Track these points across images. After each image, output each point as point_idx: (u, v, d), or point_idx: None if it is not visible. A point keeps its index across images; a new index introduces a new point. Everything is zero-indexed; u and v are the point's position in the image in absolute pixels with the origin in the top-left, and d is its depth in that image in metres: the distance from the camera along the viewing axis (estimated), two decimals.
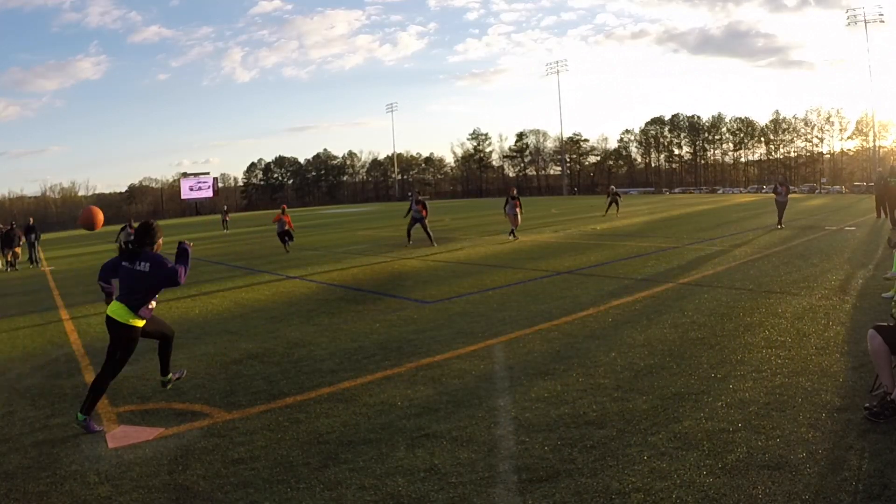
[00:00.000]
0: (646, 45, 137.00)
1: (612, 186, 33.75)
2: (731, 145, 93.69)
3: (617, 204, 28.98)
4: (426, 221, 17.72)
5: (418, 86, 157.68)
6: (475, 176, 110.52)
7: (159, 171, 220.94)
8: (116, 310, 4.57)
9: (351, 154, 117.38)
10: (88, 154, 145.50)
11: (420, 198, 18.17)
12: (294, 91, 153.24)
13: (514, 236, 18.34)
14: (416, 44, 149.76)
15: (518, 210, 18.25)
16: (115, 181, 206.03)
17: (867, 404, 3.87)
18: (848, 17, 60.87)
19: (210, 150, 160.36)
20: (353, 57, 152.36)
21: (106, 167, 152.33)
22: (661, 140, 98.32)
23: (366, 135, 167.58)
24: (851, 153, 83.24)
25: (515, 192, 19.22)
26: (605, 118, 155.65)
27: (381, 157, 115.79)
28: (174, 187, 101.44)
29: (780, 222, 17.91)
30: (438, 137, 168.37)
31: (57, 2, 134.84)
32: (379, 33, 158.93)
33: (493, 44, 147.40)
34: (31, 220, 22.19)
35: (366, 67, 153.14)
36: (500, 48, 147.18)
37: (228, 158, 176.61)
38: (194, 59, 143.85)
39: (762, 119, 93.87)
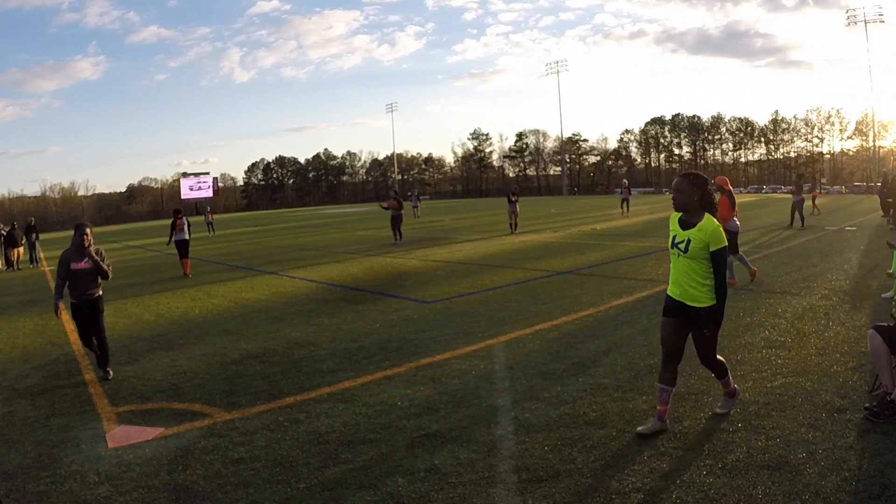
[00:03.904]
0: (644, 45, 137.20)
1: (625, 180, 32.89)
2: (730, 145, 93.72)
3: (627, 203, 28.50)
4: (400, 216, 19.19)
5: (417, 86, 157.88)
6: (475, 176, 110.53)
7: (159, 171, 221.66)
8: None
9: (350, 154, 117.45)
10: (88, 154, 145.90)
11: (393, 193, 20.24)
12: (293, 91, 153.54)
13: (513, 230, 20.57)
14: (415, 44, 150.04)
15: (517, 206, 20.90)
16: (114, 181, 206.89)
17: (867, 404, 3.87)
18: (847, 17, 60.86)
19: (209, 150, 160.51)
20: (351, 57, 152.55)
21: (105, 167, 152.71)
22: (661, 140, 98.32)
23: (365, 135, 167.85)
24: (851, 153, 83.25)
25: (515, 189, 22.19)
26: (605, 118, 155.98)
27: (381, 157, 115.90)
28: (174, 187, 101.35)
29: (791, 223, 17.76)
30: (438, 137, 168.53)
31: (55, 2, 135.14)
32: (377, 33, 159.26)
33: (491, 44, 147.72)
34: (32, 220, 22.20)
35: (364, 68, 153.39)
36: (499, 48, 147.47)
37: (228, 158, 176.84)
38: (193, 59, 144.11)
39: (762, 119, 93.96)
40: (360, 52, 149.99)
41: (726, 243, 3.62)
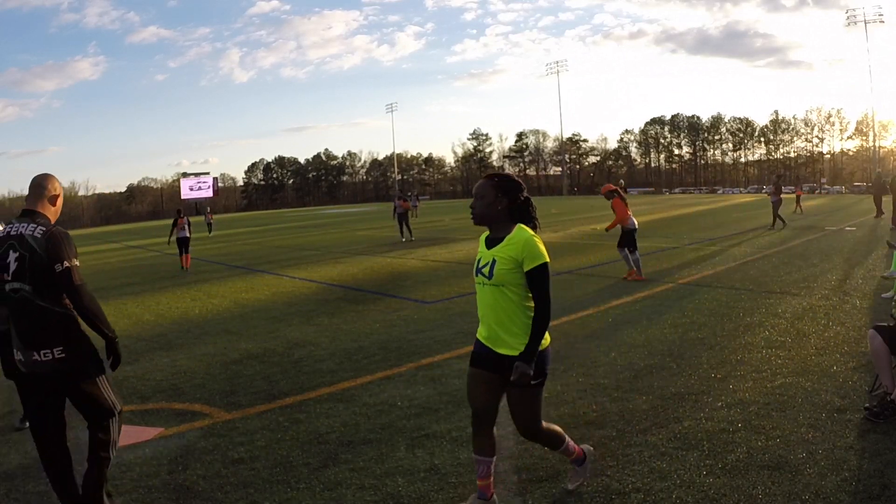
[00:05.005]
0: (644, 45, 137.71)
1: (622, 181, 32.94)
2: (730, 145, 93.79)
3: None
4: (408, 215, 20.77)
5: (417, 86, 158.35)
6: (475, 176, 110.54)
7: (159, 171, 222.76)
8: None
9: (351, 154, 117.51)
10: (88, 154, 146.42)
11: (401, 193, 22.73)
12: (292, 91, 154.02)
13: None
14: (414, 44, 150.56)
15: None
16: (114, 181, 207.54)
17: (867, 404, 3.87)
18: (847, 18, 60.89)
19: (209, 150, 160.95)
20: (351, 57, 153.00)
21: (105, 167, 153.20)
22: (661, 140, 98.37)
23: (365, 135, 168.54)
24: (851, 153, 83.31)
25: None
26: (605, 118, 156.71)
27: (381, 157, 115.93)
28: (174, 187, 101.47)
29: (784, 224, 17.90)
30: (437, 137, 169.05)
31: (55, 2, 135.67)
32: (377, 34, 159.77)
33: (490, 44, 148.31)
34: None
35: (364, 68, 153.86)
36: (498, 48, 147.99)
37: (228, 158, 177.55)
38: (192, 59, 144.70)
39: (761, 119, 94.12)
40: (360, 52, 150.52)
41: (547, 259, 2.71)
